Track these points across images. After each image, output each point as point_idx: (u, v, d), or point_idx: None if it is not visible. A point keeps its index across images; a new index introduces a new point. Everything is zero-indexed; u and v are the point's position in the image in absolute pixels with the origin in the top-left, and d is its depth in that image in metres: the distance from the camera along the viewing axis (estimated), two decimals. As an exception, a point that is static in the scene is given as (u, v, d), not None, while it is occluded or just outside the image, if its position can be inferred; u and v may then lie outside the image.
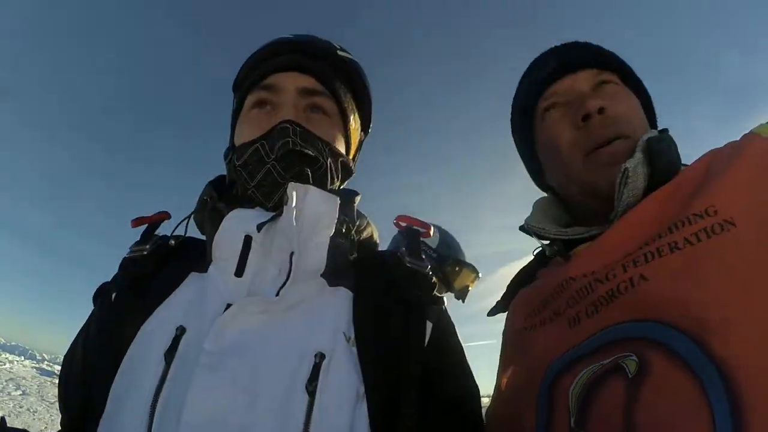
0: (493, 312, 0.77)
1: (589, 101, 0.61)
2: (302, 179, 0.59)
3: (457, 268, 1.48)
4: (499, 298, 0.77)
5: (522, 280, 0.75)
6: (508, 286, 0.76)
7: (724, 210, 0.47)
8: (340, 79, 0.67)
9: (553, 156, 0.67)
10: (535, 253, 0.76)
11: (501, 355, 0.70)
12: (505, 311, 0.75)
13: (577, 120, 0.62)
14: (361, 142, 0.76)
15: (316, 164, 0.61)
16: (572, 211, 0.72)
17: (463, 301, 1.54)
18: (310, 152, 0.60)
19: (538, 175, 0.78)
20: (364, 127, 0.76)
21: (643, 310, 0.48)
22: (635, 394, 0.43)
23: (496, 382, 0.67)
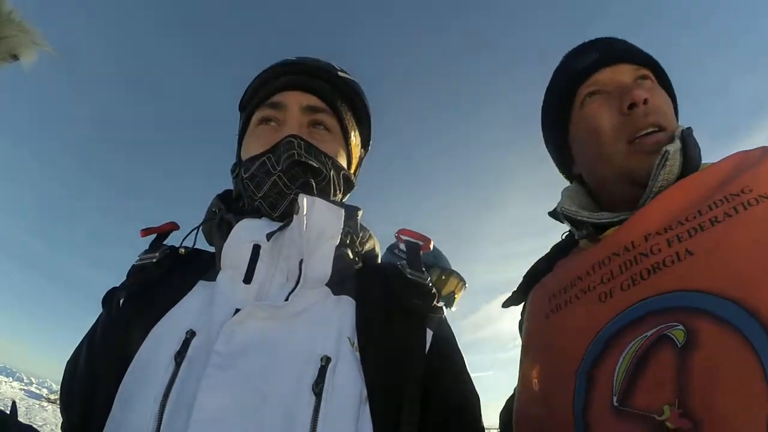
0: (508, 303, 0.78)
1: (636, 91, 0.64)
2: (307, 190, 0.62)
3: (443, 277, 1.50)
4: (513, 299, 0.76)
5: (539, 270, 0.75)
6: (525, 276, 0.76)
7: (759, 188, 0.50)
8: (341, 97, 0.71)
9: (591, 140, 0.69)
10: (564, 236, 0.77)
11: (523, 348, 0.68)
12: (519, 303, 0.75)
13: (623, 107, 0.64)
14: (361, 159, 0.80)
15: (320, 176, 0.65)
16: (598, 199, 0.73)
17: (451, 308, 1.56)
18: (314, 164, 0.63)
19: (565, 162, 0.80)
20: (364, 145, 0.79)
21: (686, 281, 0.48)
22: (687, 362, 0.43)
23: (520, 376, 0.66)
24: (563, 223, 0.74)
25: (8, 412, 0.50)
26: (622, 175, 0.65)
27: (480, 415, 0.61)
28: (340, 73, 0.72)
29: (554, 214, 0.76)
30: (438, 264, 1.54)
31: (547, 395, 0.57)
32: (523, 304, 0.76)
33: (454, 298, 1.56)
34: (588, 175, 0.74)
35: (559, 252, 0.75)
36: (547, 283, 0.70)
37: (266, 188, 0.63)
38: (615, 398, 0.48)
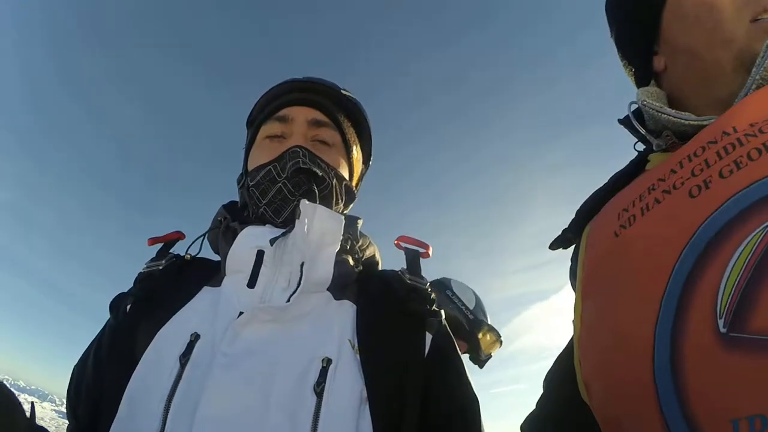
0: (555, 245, 0.64)
1: None
2: (310, 196, 0.65)
3: (488, 336, 1.47)
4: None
5: (595, 204, 0.60)
6: (578, 212, 0.62)
7: None
8: (344, 113, 0.75)
9: (706, 15, 0.58)
10: (636, 147, 0.64)
11: (581, 286, 0.54)
12: (570, 245, 0.63)
13: None
14: (362, 174, 0.83)
15: (322, 183, 0.67)
16: (679, 104, 0.62)
17: (481, 367, 1.50)
18: (317, 171, 0.66)
19: (646, 48, 0.67)
20: (366, 160, 0.83)
21: None
22: None
23: (579, 324, 0.52)
24: (635, 131, 0.62)
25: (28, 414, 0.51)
26: (742, 57, 0.54)
27: (479, 419, 0.60)
28: (342, 92, 0.76)
29: (625, 122, 0.63)
30: (477, 317, 1.49)
31: (620, 336, 0.43)
32: (574, 247, 0.64)
33: (490, 358, 1.52)
34: (689, 59, 0.61)
35: (619, 182, 0.61)
36: (611, 204, 0.56)
37: (271, 195, 0.66)
38: (721, 322, 0.34)
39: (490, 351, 1.50)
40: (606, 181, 0.63)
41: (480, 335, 1.45)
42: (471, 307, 1.48)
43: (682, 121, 0.54)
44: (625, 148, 0.67)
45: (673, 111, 0.56)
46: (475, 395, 0.61)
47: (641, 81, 0.69)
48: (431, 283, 0.67)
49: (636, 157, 0.63)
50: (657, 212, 0.45)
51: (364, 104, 0.79)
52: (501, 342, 1.51)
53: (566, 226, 0.64)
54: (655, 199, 0.46)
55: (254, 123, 0.77)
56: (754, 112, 0.44)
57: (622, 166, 0.64)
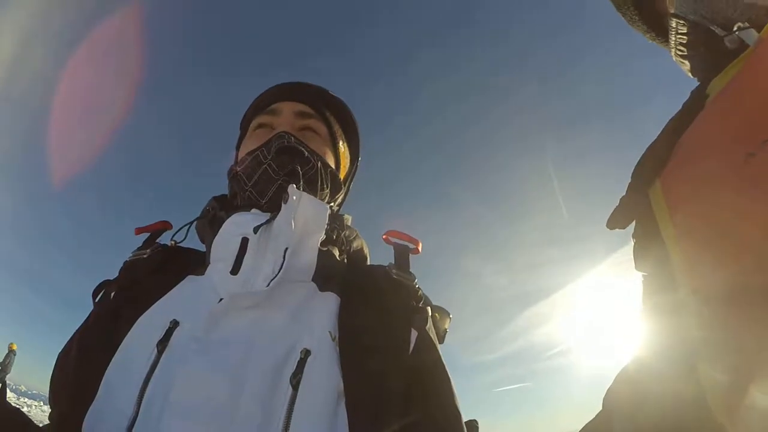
0: (614, 222, 0.53)
1: None
2: (294, 176, 0.65)
3: (438, 315, 1.33)
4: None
5: (660, 159, 0.48)
6: (636, 174, 0.51)
7: None
8: (330, 110, 0.79)
9: None
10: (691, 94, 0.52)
11: (677, 247, 0.43)
12: (630, 221, 0.52)
13: None
14: (351, 172, 0.85)
15: (307, 164, 0.68)
16: None
17: (442, 342, 1.37)
18: (303, 150, 0.68)
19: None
20: (353, 158, 0.84)
21: None
22: None
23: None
24: (691, 31, 0.49)
25: None
26: None
27: (461, 425, 0.58)
28: (329, 92, 0.81)
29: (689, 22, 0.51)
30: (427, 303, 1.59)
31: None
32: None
33: (446, 332, 1.59)
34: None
35: (682, 126, 0.48)
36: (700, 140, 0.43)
37: (256, 176, 0.67)
38: None
39: (444, 326, 1.53)
40: (656, 137, 0.52)
41: (435, 315, 1.53)
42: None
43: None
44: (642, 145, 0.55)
45: None
46: (458, 407, 0.59)
47: None
48: None
49: (689, 99, 0.52)
50: None
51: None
52: (449, 315, 1.56)
53: (625, 196, 0.52)
54: None
55: (246, 122, 0.80)
56: None
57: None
